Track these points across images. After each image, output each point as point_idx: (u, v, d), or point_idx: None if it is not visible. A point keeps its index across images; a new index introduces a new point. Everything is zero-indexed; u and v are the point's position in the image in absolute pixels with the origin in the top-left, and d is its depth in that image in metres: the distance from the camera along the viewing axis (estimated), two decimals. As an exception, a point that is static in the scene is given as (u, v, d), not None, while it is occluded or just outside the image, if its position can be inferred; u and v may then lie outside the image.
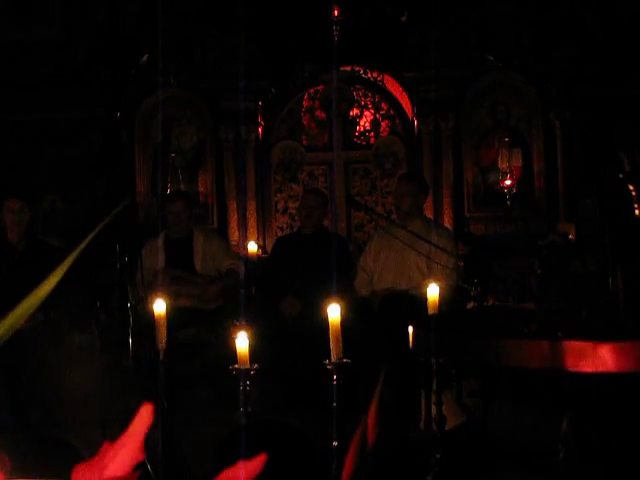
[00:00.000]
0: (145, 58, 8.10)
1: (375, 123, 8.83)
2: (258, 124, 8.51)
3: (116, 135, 8.21)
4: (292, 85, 8.66)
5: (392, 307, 5.51)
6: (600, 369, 3.01)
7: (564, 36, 7.77)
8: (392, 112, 8.79)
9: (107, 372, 4.67)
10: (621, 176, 3.87)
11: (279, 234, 8.48)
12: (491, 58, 8.10)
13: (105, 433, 3.99)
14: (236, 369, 3.20)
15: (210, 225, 8.26)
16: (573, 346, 3.08)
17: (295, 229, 7.52)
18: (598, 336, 3.13)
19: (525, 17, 7.87)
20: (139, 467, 0.77)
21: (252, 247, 7.53)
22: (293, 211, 8.47)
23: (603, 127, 7.68)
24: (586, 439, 3.57)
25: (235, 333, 3.24)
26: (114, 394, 4.35)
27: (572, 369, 3.07)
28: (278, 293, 5.98)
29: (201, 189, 8.51)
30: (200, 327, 5.75)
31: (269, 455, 0.78)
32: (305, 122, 8.91)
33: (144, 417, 0.77)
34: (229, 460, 0.80)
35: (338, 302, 3.03)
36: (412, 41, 8.08)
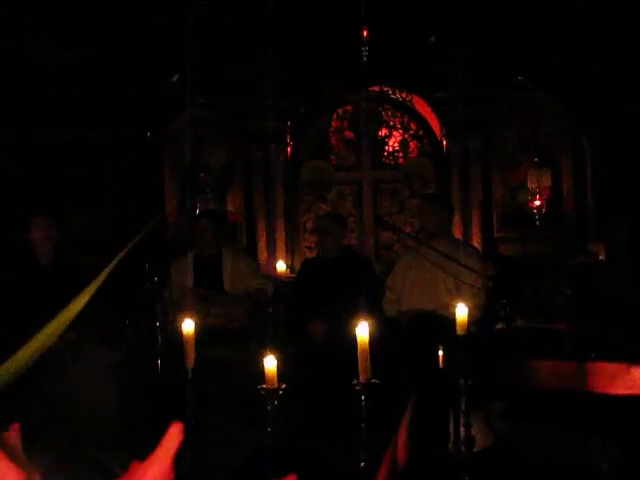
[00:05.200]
0: (175, 78, 8.18)
1: (404, 143, 8.83)
2: (287, 144, 8.54)
3: (146, 155, 8.32)
4: (321, 105, 8.70)
5: (420, 327, 5.47)
6: (633, 390, 2.97)
7: (591, 54, 7.73)
8: (421, 132, 8.80)
9: (136, 391, 4.68)
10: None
11: (307, 253, 8.48)
12: (521, 78, 8.08)
13: (134, 452, 3.98)
14: (264, 389, 3.19)
15: (239, 244, 8.28)
16: (606, 367, 3.04)
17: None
18: (631, 357, 3.09)
19: (553, 36, 7.84)
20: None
21: (281, 266, 7.54)
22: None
23: (632, 145, 7.62)
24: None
25: (263, 354, 3.22)
26: (143, 412, 4.36)
27: (605, 390, 3.04)
28: (305, 315, 5.94)
29: (230, 208, 8.55)
30: (227, 346, 5.74)
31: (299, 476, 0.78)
32: (334, 142, 8.94)
33: (174, 436, 0.76)
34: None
35: (366, 322, 3.02)
36: (441, 61, 8.09)
